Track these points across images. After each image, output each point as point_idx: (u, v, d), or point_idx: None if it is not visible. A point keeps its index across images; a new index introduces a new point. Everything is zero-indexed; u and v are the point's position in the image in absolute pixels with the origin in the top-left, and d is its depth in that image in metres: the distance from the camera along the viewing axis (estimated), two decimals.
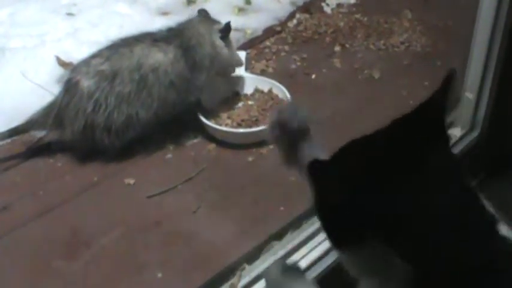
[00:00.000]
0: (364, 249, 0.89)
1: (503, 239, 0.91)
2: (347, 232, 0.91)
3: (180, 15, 2.83)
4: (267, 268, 1.31)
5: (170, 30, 2.22)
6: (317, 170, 0.97)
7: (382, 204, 0.85)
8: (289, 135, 1.15)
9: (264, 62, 2.67)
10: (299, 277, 1.27)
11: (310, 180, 0.98)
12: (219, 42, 2.22)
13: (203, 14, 2.29)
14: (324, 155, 1.11)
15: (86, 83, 2.06)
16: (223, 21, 2.30)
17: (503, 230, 0.93)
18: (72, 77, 2.10)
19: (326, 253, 1.80)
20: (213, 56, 2.21)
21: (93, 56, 2.12)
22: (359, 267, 0.94)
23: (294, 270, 1.30)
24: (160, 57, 2.11)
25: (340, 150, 0.95)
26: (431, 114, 0.95)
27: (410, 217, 0.85)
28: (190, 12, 2.86)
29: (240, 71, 2.42)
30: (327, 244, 1.82)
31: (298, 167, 1.15)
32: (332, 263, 1.77)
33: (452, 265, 0.84)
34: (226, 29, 2.23)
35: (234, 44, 2.35)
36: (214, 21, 2.26)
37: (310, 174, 0.98)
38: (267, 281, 1.33)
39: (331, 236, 0.96)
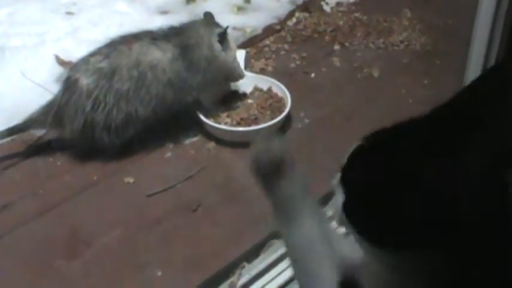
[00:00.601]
0: (405, 254, 0.83)
1: None
2: (392, 232, 0.83)
3: (180, 15, 2.85)
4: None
5: (171, 29, 2.21)
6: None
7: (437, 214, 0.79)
8: (264, 174, 1.07)
9: (263, 60, 2.68)
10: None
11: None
12: (217, 46, 2.21)
13: (208, 16, 2.28)
14: (303, 192, 1.07)
15: (85, 80, 2.06)
16: (223, 19, 2.30)
17: None
18: (71, 75, 2.11)
19: None
20: (210, 59, 2.20)
21: (92, 54, 2.12)
22: (394, 267, 0.87)
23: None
24: (158, 55, 2.11)
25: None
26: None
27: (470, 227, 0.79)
28: (190, 11, 2.89)
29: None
30: None
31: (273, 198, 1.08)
32: None
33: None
34: (224, 32, 2.22)
35: (235, 53, 2.32)
36: (217, 25, 2.25)
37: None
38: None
39: (367, 228, 0.87)
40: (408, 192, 0.81)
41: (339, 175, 0.93)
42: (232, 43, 2.30)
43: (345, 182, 0.91)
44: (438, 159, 0.80)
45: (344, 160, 0.91)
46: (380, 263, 0.89)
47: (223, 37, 2.22)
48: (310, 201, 1.09)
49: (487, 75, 0.90)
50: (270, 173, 1.06)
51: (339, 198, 0.92)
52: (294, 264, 1.10)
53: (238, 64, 2.33)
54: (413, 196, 0.80)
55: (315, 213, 1.09)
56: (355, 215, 0.87)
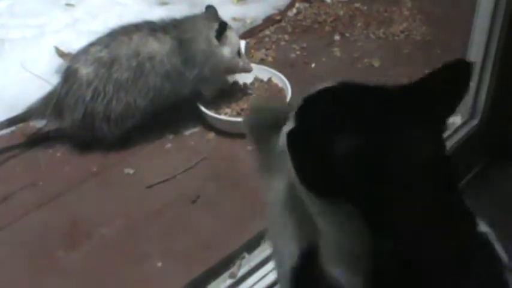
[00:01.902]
0: (337, 204, 0.85)
1: (480, 234, 0.90)
2: (323, 182, 0.85)
3: (179, 5, 2.85)
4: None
5: (171, 21, 2.21)
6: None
7: (368, 164, 0.82)
8: (267, 123, 1.11)
9: (263, 51, 2.67)
10: None
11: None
12: (214, 41, 2.20)
13: (210, 11, 2.27)
14: None
15: (85, 70, 2.06)
16: (223, 10, 2.29)
17: (483, 226, 0.92)
18: (71, 65, 2.11)
19: None
20: (207, 53, 2.19)
21: (92, 44, 2.12)
22: (328, 220, 0.89)
23: None
24: (156, 46, 2.11)
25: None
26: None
27: (390, 186, 0.82)
28: (190, 2, 2.88)
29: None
30: None
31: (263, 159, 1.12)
32: None
33: (418, 254, 0.83)
34: (221, 27, 2.21)
35: (237, 48, 2.28)
36: (217, 20, 2.24)
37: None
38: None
39: (305, 180, 0.88)
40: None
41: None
42: (234, 38, 2.27)
43: (297, 116, 0.93)
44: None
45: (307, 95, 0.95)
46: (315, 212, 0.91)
47: (220, 32, 2.20)
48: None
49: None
50: (267, 127, 1.10)
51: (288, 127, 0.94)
52: (269, 221, 1.13)
53: (243, 58, 2.31)
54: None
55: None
56: (296, 151, 0.87)
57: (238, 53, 2.27)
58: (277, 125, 1.05)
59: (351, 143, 0.82)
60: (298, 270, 0.99)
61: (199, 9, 2.31)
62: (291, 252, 1.01)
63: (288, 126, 0.94)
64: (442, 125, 0.91)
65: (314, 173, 0.84)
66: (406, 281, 0.83)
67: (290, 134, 0.85)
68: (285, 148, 0.86)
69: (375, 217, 0.82)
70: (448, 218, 0.86)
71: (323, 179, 0.84)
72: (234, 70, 2.30)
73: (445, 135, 1.81)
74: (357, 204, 0.82)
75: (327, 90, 0.93)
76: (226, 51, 2.22)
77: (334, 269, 0.89)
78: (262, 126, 1.12)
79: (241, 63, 2.29)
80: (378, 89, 0.92)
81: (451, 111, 0.91)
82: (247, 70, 2.32)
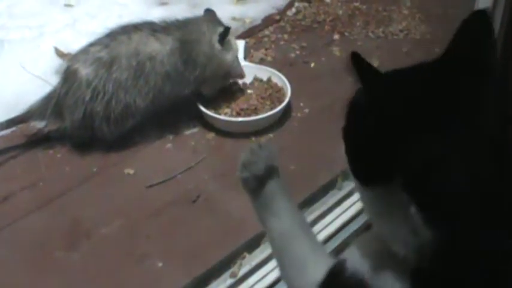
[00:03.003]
0: (387, 191, 0.84)
1: None
2: (375, 167, 0.86)
3: (178, 6, 2.85)
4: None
5: (173, 22, 2.21)
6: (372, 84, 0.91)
7: (422, 150, 0.80)
8: (256, 176, 1.16)
9: (263, 50, 2.67)
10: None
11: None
12: (217, 45, 2.20)
13: (209, 14, 2.27)
14: (285, 197, 1.15)
15: (84, 70, 2.06)
16: (222, 10, 2.29)
17: None
18: (70, 65, 2.11)
19: (325, 242, 1.81)
20: (209, 56, 2.19)
21: (92, 44, 2.12)
22: (377, 208, 0.90)
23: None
24: (157, 47, 2.11)
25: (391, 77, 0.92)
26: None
27: (448, 177, 0.80)
28: (189, 2, 2.89)
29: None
30: (325, 233, 1.83)
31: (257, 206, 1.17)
32: (331, 252, 1.77)
33: (472, 245, 0.81)
34: (225, 32, 2.21)
35: (237, 53, 2.31)
36: (220, 23, 2.24)
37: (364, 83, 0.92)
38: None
39: (355, 166, 0.90)
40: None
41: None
42: (234, 43, 2.29)
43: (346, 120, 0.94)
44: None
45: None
46: (366, 202, 0.93)
47: (223, 37, 2.20)
48: (292, 203, 1.17)
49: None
50: (261, 177, 1.15)
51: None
52: (278, 255, 1.16)
53: (239, 64, 2.32)
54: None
55: (297, 212, 1.18)
56: (350, 152, 0.91)
57: (236, 58, 2.29)
58: (271, 172, 1.15)
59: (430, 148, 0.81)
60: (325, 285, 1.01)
61: (199, 9, 2.32)
62: (317, 269, 1.05)
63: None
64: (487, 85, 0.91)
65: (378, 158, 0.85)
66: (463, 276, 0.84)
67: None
68: None
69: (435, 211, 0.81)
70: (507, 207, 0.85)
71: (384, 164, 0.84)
72: (232, 73, 2.31)
73: None
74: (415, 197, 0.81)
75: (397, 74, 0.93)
76: (228, 55, 2.23)
77: (377, 278, 0.90)
78: (255, 177, 1.16)
79: (238, 69, 2.30)
80: (425, 71, 0.92)
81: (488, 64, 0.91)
82: (242, 76, 2.33)
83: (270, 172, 1.15)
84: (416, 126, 0.81)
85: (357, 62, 0.93)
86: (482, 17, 0.90)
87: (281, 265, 1.15)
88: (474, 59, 0.88)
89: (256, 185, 1.16)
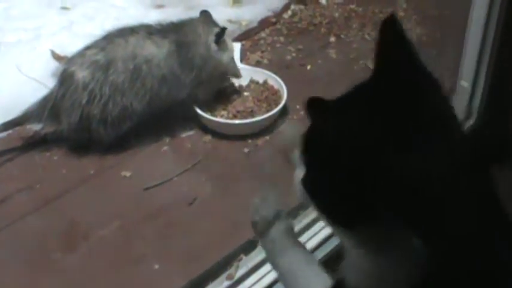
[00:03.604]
0: (374, 227, 0.82)
1: None
2: (354, 207, 0.82)
3: (176, 8, 2.85)
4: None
5: (169, 24, 2.21)
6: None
7: (402, 176, 0.77)
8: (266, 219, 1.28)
9: (259, 53, 2.68)
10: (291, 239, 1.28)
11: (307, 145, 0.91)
12: (213, 46, 2.20)
13: (205, 15, 2.27)
14: (290, 237, 1.26)
15: (81, 73, 2.06)
16: (218, 12, 2.30)
17: None
18: (67, 68, 2.11)
19: (322, 243, 1.81)
20: (205, 58, 2.19)
21: (88, 47, 2.12)
22: (365, 245, 0.87)
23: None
24: (154, 50, 2.11)
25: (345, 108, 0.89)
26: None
27: (434, 194, 0.78)
28: (186, 5, 2.89)
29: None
30: (323, 234, 1.83)
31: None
32: (329, 252, 1.77)
33: (471, 255, 0.81)
34: (221, 32, 2.21)
35: (232, 54, 2.30)
36: (215, 24, 2.24)
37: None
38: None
39: (331, 214, 0.87)
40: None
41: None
42: (230, 43, 2.29)
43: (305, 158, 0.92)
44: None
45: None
46: (346, 240, 0.94)
47: (220, 37, 2.21)
48: (297, 242, 1.29)
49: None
50: (270, 220, 1.27)
51: (299, 173, 0.94)
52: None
53: (235, 64, 2.32)
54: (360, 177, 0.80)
55: (303, 250, 1.28)
56: (314, 192, 0.89)
57: (232, 58, 2.29)
58: (279, 215, 1.28)
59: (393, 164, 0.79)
60: None
61: (195, 12, 2.32)
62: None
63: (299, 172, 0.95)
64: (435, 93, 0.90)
65: (347, 206, 0.84)
66: None
67: (304, 183, 0.90)
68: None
69: (429, 235, 0.79)
70: (496, 216, 0.86)
71: (353, 209, 0.83)
72: (228, 74, 2.31)
73: None
74: (406, 226, 0.79)
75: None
76: (224, 56, 2.23)
77: None
78: (265, 220, 1.29)
79: (234, 69, 2.31)
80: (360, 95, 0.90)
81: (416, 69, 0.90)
82: (238, 76, 2.33)
83: (278, 215, 1.27)
84: (380, 155, 0.79)
85: (312, 105, 0.92)
86: (393, 24, 0.90)
87: None
88: (402, 71, 0.88)
89: (266, 227, 1.26)
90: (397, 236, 0.80)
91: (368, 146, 0.80)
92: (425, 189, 0.77)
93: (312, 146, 0.89)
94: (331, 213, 0.88)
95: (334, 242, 1.83)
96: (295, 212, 1.88)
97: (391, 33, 0.90)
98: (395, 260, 0.84)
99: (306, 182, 0.89)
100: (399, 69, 0.88)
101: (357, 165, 0.80)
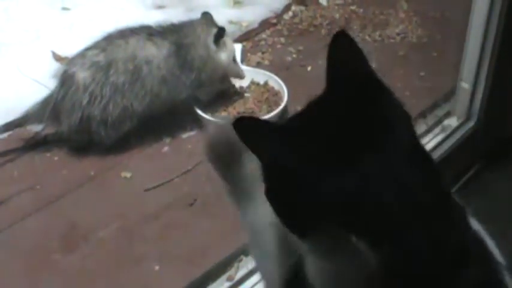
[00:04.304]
0: (323, 235, 0.83)
1: (473, 234, 0.90)
2: (302, 217, 0.85)
3: (176, 9, 2.85)
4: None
5: (169, 26, 2.21)
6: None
7: (339, 186, 0.80)
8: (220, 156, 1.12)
9: (259, 54, 2.68)
10: None
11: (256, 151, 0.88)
12: (212, 46, 2.20)
13: (206, 17, 2.27)
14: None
15: (82, 74, 2.06)
16: (219, 14, 2.30)
17: (474, 223, 0.92)
18: (67, 69, 2.11)
19: None
20: (205, 59, 2.19)
21: (89, 48, 2.13)
22: (319, 252, 0.88)
23: None
24: (154, 51, 2.11)
25: (284, 128, 0.89)
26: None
27: (373, 200, 0.80)
28: (186, 5, 2.89)
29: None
30: None
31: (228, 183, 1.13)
32: None
33: (418, 255, 0.81)
34: (219, 33, 2.21)
35: (233, 54, 2.30)
36: (215, 25, 2.24)
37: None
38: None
39: (286, 223, 0.89)
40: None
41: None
42: (230, 44, 2.29)
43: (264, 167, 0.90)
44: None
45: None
46: (304, 249, 0.91)
47: (218, 37, 2.21)
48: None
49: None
50: (226, 156, 1.10)
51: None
52: (250, 240, 1.15)
53: (237, 65, 2.32)
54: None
55: None
56: (271, 201, 0.88)
57: (234, 59, 2.28)
58: (237, 154, 1.08)
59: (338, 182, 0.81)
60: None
61: (196, 13, 2.32)
62: (278, 273, 1.04)
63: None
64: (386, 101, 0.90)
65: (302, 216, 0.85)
66: None
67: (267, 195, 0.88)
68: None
69: (376, 239, 0.81)
70: (445, 221, 0.86)
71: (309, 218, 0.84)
72: (230, 74, 2.31)
73: (442, 137, 1.81)
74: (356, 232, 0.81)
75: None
76: (223, 56, 2.23)
77: None
78: (223, 157, 1.12)
79: (236, 69, 2.30)
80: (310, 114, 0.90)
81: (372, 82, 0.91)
82: (241, 76, 2.33)
83: (233, 150, 1.09)
84: (323, 170, 0.81)
85: (243, 126, 0.86)
86: (343, 38, 0.90)
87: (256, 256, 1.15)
88: (355, 83, 0.88)
89: (224, 166, 1.12)
90: (343, 243, 0.82)
91: (305, 164, 0.82)
92: (360, 199, 0.80)
93: (263, 166, 0.89)
94: (283, 221, 0.89)
95: None
96: None
97: (338, 49, 0.90)
98: (345, 265, 0.85)
99: (265, 193, 0.90)
100: (346, 84, 0.88)
101: (295, 183, 0.83)
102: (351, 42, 0.90)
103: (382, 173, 0.81)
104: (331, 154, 0.81)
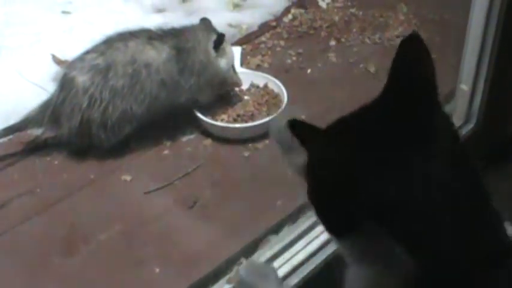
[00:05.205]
0: (361, 236, 0.85)
1: (507, 237, 0.90)
2: (342, 217, 0.87)
3: (175, 13, 2.86)
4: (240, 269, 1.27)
5: (169, 30, 2.21)
6: (314, 142, 0.91)
7: (382, 188, 0.81)
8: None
9: (259, 57, 2.68)
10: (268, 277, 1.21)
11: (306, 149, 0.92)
12: (212, 52, 2.21)
13: (205, 22, 2.28)
14: None
15: (81, 78, 2.07)
16: (218, 17, 2.30)
17: (509, 229, 0.92)
18: (67, 73, 2.11)
19: (323, 246, 1.81)
20: (205, 64, 2.19)
21: (88, 52, 2.12)
22: (356, 254, 0.91)
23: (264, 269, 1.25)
24: (153, 54, 2.11)
25: (332, 128, 0.92)
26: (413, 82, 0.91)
27: (414, 203, 0.81)
28: (186, 9, 2.89)
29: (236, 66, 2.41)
30: (323, 238, 1.83)
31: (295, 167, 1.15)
32: (328, 256, 1.77)
33: (456, 259, 0.82)
34: (218, 39, 2.21)
35: (232, 61, 2.30)
36: (214, 31, 2.25)
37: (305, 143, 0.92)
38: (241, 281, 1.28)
39: (325, 222, 0.92)
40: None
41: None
42: (230, 51, 2.28)
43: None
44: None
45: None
46: (344, 251, 0.94)
47: (218, 43, 2.21)
48: None
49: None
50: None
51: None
52: None
53: (235, 72, 2.32)
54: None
55: None
56: (312, 201, 0.92)
57: (232, 66, 2.29)
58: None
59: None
60: None
61: (195, 16, 2.32)
62: None
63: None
64: (437, 109, 0.90)
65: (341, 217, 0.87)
66: None
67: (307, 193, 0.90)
68: None
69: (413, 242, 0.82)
70: (485, 226, 0.86)
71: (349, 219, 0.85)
72: (228, 82, 2.31)
73: None
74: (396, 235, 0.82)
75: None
76: (222, 62, 2.23)
77: None
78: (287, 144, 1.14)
79: (234, 78, 2.30)
80: (368, 111, 0.91)
81: (432, 91, 0.91)
82: (239, 85, 2.34)
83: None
84: (367, 170, 0.82)
85: (297, 127, 0.91)
86: (416, 41, 0.90)
87: None
88: (416, 88, 0.88)
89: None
90: (381, 245, 0.83)
91: (352, 168, 0.84)
92: (402, 203, 0.81)
93: (309, 167, 0.92)
94: (323, 220, 0.92)
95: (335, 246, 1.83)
96: (295, 216, 1.88)
97: (413, 51, 0.90)
98: (382, 269, 0.86)
99: (308, 192, 0.92)
100: (406, 88, 0.88)
101: (339, 183, 0.85)
102: (422, 46, 0.90)
103: (425, 179, 0.82)
104: (376, 155, 0.83)
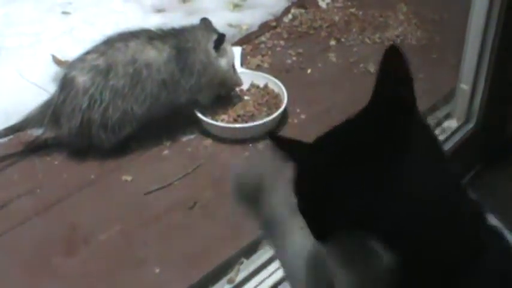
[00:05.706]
0: (343, 241, 0.86)
1: (491, 228, 0.91)
2: (324, 222, 0.88)
3: (175, 13, 2.86)
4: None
5: (169, 30, 2.21)
6: (300, 154, 0.94)
7: (361, 191, 0.82)
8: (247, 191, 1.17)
9: (259, 57, 2.68)
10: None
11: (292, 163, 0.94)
12: (213, 52, 2.21)
13: (205, 22, 2.28)
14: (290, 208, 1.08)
15: (81, 78, 2.07)
16: (219, 17, 2.30)
17: (492, 219, 0.93)
18: (67, 73, 2.11)
19: None
20: (205, 64, 2.20)
21: (89, 52, 2.13)
22: (340, 260, 0.91)
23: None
24: (154, 54, 2.12)
25: (317, 140, 0.94)
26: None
27: (393, 204, 0.82)
28: (186, 9, 2.89)
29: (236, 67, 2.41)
30: None
31: (260, 219, 1.18)
32: None
33: (438, 255, 0.83)
34: (219, 39, 2.21)
35: (233, 61, 2.30)
36: (215, 31, 2.25)
37: (291, 156, 0.95)
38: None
39: (311, 230, 0.92)
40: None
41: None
42: (230, 51, 2.29)
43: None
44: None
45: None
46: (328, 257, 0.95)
47: (218, 43, 2.21)
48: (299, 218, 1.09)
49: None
50: (254, 191, 1.16)
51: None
52: (287, 275, 1.17)
53: (236, 72, 2.32)
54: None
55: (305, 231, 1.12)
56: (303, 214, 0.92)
57: (233, 66, 2.29)
58: (264, 187, 1.14)
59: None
60: None
61: (195, 16, 2.32)
62: None
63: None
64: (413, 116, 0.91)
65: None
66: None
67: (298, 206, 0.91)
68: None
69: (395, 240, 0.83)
70: (462, 219, 0.87)
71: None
72: (228, 81, 2.31)
73: (442, 138, 1.81)
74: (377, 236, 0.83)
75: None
76: (223, 62, 2.23)
77: None
78: (252, 193, 1.17)
79: (234, 77, 2.30)
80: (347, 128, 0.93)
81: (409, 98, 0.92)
82: (239, 85, 2.34)
83: (259, 189, 1.16)
84: (346, 180, 0.84)
85: (280, 141, 0.96)
86: (395, 52, 0.90)
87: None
88: (396, 100, 0.89)
89: (252, 204, 1.18)
90: (361, 245, 0.84)
91: (331, 173, 0.86)
92: (380, 206, 0.82)
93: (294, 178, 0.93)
94: (309, 228, 0.92)
95: None
96: None
97: (391, 63, 0.90)
98: (365, 270, 0.87)
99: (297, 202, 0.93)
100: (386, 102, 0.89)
101: (318, 193, 0.87)
102: (401, 58, 0.90)
103: (402, 183, 0.83)
104: (355, 165, 0.84)
